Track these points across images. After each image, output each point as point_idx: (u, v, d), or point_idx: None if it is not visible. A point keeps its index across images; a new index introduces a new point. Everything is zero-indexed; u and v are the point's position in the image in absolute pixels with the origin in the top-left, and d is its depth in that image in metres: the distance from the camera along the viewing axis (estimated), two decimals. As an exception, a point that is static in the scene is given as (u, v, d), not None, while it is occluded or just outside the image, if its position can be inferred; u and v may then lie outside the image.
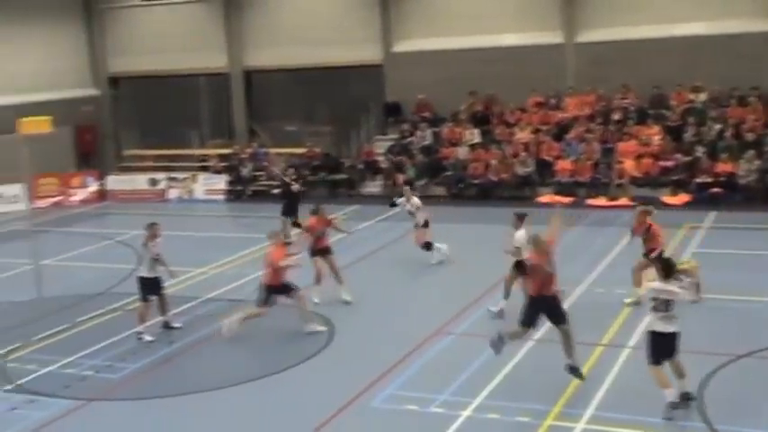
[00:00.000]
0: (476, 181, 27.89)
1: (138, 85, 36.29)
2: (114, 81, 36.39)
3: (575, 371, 12.41)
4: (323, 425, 11.82)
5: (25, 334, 15.93)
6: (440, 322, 15.66)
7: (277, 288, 15.31)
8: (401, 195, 20.60)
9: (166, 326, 16.05)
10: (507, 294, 15.83)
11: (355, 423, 11.98)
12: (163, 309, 16.02)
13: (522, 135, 28.64)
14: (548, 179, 27.46)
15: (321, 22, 32.47)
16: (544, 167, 27.70)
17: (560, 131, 28.53)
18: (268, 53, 33.35)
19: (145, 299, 15.71)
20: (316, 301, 16.67)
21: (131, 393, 13.43)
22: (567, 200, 26.10)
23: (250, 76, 34.43)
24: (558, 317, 12.49)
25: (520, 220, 15.75)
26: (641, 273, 14.83)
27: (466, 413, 11.90)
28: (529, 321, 12.55)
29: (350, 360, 14.35)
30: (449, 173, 28.51)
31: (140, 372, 14.20)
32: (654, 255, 15.02)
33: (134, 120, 36.92)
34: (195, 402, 12.97)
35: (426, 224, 19.94)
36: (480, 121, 29.89)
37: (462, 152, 28.87)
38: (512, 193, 27.37)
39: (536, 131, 28.73)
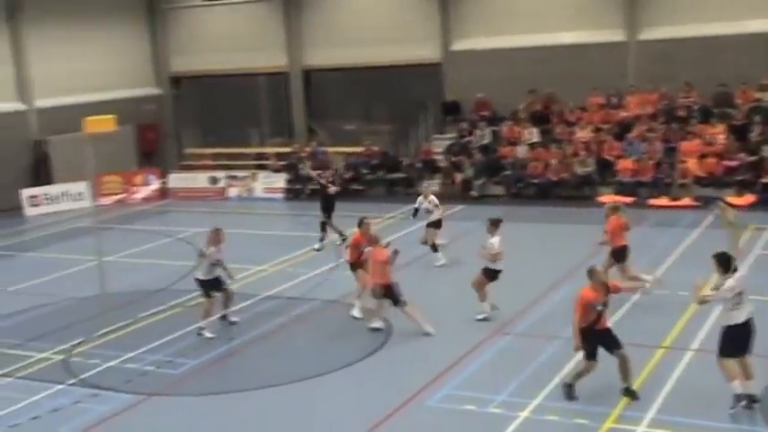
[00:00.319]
0: (535, 180, 27.68)
1: (199, 84, 36.72)
2: (176, 80, 36.86)
3: (631, 393, 12.07)
4: (379, 423, 11.82)
5: (89, 329, 16.22)
6: (498, 322, 15.57)
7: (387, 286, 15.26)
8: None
9: (224, 318, 16.24)
10: (484, 298, 15.88)
11: (412, 422, 11.96)
12: (226, 303, 16.21)
13: (583, 134, 28.33)
14: (608, 179, 27.13)
15: (380, 21, 32.50)
16: (605, 167, 27.37)
17: (622, 130, 28.14)
18: (327, 52, 33.48)
19: (209, 295, 15.89)
20: (357, 315, 16.37)
21: (191, 389, 13.58)
22: (628, 200, 25.79)
23: (309, 75, 34.60)
24: (612, 344, 12.07)
25: (495, 226, 15.93)
26: (630, 273, 16.03)
27: (524, 414, 11.81)
28: (592, 354, 12.06)
29: (407, 359, 14.33)
30: (507, 172, 28.32)
31: (200, 368, 14.35)
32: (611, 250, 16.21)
33: (195, 118, 37.36)
34: (253, 399, 13.07)
35: (438, 224, 20.20)
36: (540, 119, 29.64)
37: (521, 151, 28.67)
38: (571, 192, 27.11)
39: (597, 130, 28.39)
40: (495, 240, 15.68)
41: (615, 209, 16.75)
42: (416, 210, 20.73)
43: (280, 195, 30.69)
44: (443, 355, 14.14)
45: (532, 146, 28.72)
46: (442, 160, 29.80)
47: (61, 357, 15.09)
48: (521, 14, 30.33)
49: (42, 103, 31.54)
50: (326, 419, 12.24)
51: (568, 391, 12.21)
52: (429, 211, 20.45)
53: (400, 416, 12.07)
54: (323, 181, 23.06)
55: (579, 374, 12.22)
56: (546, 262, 19.38)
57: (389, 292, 15.31)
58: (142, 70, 35.88)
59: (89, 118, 16.16)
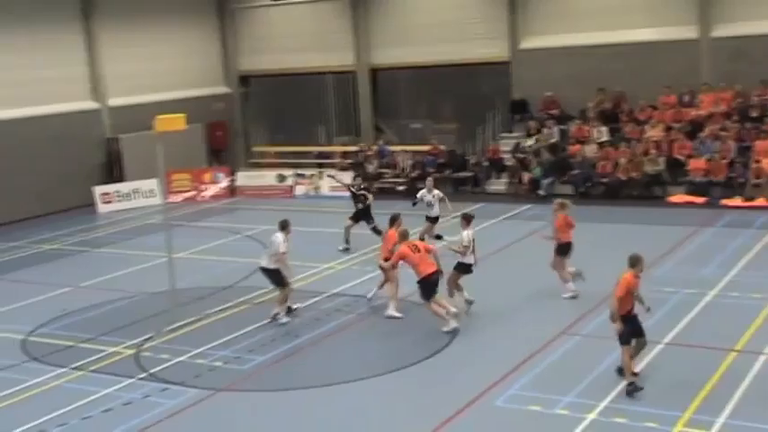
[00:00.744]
0: (603, 180, 27.31)
1: (267, 83, 37.04)
2: (245, 79, 37.26)
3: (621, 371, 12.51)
4: (445, 422, 11.79)
5: (159, 324, 16.48)
6: (565, 323, 15.41)
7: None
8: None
9: (289, 310, 16.52)
10: (453, 293, 16.22)
11: (478, 422, 11.90)
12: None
13: (653, 133, 27.86)
14: (679, 178, 26.65)
15: (448, 19, 32.40)
16: (676, 166, 26.89)
17: (694, 129, 27.62)
18: (394, 51, 33.52)
19: (281, 284, 16.17)
20: (397, 315, 16.45)
21: (258, 385, 13.72)
22: (700, 200, 25.33)
23: (376, 73, 34.67)
24: (639, 332, 12.58)
25: (467, 221, 16.27)
26: (563, 269, 16.97)
27: (591, 416, 11.67)
28: (629, 340, 12.42)
29: (473, 358, 14.27)
30: (576, 171, 28.01)
31: (267, 364, 14.47)
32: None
33: (263, 117, 37.72)
34: (318, 395, 13.15)
35: (435, 220, 21.06)
36: (609, 118, 29.25)
37: (590, 150, 28.31)
38: (641, 192, 26.69)
39: (668, 129, 27.90)
40: (464, 234, 16.01)
41: (563, 206, 17.25)
42: (415, 201, 21.56)
43: (346, 194, 30.73)
44: (510, 354, 14.05)
45: (601, 145, 28.35)
46: (509, 159, 29.60)
47: (132, 352, 15.37)
48: (590, 12, 29.97)
49: (115, 101, 32.15)
50: (391, 418, 12.25)
51: (633, 388, 12.16)
52: (430, 205, 21.08)
53: (466, 415, 12.03)
54: (353, 189, 22.80)
55: (627, 367, 12.32)
56: (614, 263, 18.95)
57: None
58: (212, 69, 36.37)
59: (160, 116, 16.39)
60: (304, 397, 13.15)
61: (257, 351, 15.00)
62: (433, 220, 21.33)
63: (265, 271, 16.35)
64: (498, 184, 29.43)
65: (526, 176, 28.41)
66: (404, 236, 15.86)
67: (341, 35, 34.50)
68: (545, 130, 29.62)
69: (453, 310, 15.46)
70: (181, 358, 14.83)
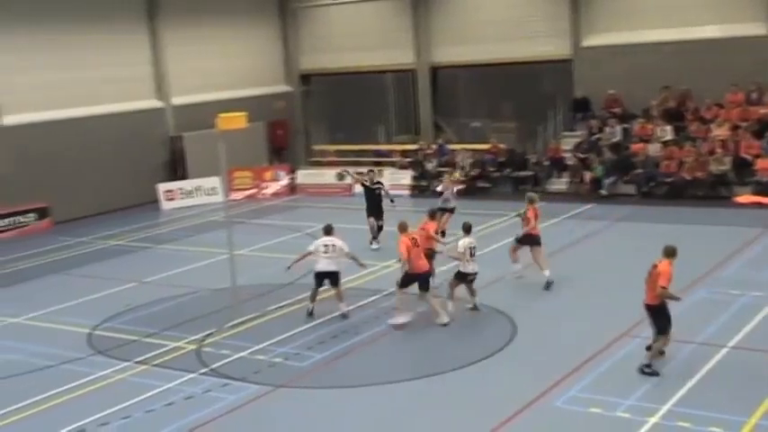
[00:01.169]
0: (667, 179, 26.89)
1: (327, 82, 37.22)
2: (305, 78, 37.49)
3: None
4: (504, 422, 11.73)
5: (220, 320, 16.67)
6: (626, 325, 15.19)
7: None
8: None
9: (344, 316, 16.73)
10: (450, 296, 16.55)
11: (537, 423, 11.82)
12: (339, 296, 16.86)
13: (720, 132, 27.35)
14: (746, 178, 26.13)
15: (508, 17, 32.22)
16: (742, 166, 26.37)
17: (761, 128, 27.05)
18: (454, 49, 33.44)
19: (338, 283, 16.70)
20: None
21: (317, 382, 13.79)
22: (767, 200, 24.82)
23: (436, 71, 34.62)
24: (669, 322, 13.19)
25: (466, 230, 16.61)
26: (515, 252, 18.35)
27: (653, 420, 11.50)
28: (666, 327, 13.06)
29: (532, 358, 14.18)
30: (639, 171, 27.62)
31: (327, 361, 14.54)
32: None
33: (323, 115, 37.91)
34: (378, 393, 13.18)
35: (452, 211, 21.75)
36: (673, 116, 28.79)
37: (653, 149, 27.90)
38: (706, 192, 26.23)
39: (734, 128, 27.37)
40: (461, 242, 16.18)
41: (532, 201, 18.56)
42: (440, 193, 22.31)
43: (406, 192, 30.78)
44: (570, 355, 13.92)
45: (665, 144, 27.93)
46: (570, 158, 29.32)
47: (194, 347, 15.57)
48: (656, 8, 29.54)
49: (178, 100, 32.61)
50: (448, 417, 12.22)
51: (650, 370, 12.83)
52: (447, 200, 21.85)
53: (525, 416, 11.95)
54: (367, 184, 22.98)
55: (660, 352, 13.08)
56: (678, 264, 18.76)
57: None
58: (273, 68, 36.68)
59: (222, 115, 16.56)
60: (362, 394, 13.19)
61: (316, 348, 15.09)
62: (450, 212, 21.92)
63: (329, 274, 16.62)
64: (559, 184, 29.17)
65: (588, 176, 28.10)
66: (403, 228, 16.24)
67: (401, 33, 34.52)
68: (607, 129, 29.27)
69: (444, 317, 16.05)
70: (241, 354, 14.98)
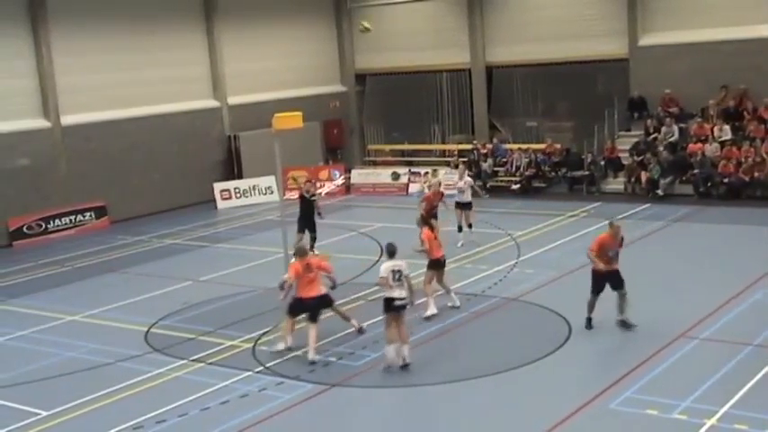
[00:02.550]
0: (725, 180, 26.47)
1: (382, 81, 37.29)
2: (360, 77, 37.60)
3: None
4: (559, 423, 11.66)
5: (275, 319, 16.77)
6: (684, 326, 15.01)
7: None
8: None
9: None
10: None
11: (592, 424, 11.73)
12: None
13: (779, 131, 26.88)
14: (807, 179, 25.65)
15: (564, 16, 32.01)
16: (803, 166, 25.89)
17: (822, 128, 26.54)
18: (510, 49, 33.30)
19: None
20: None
21: (372, 381, 13.82)
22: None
23: (491, 71, 34.49)
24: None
25: (390, 255, 14.53)
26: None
27: (710, 422, 11.35)
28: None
29: (587, 359, 14.09)
30: (696, 171, 27.23)
31: (381, 360, 14.50)
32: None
33: (378, 115, 37.97)
34: (431, 393, 13.18)
35: (468, 206, 21.95)
36: (731, 116, 28.33)
37: (711, 149, 27.48)
38: (765, 192, 25.77)
39: (795, 128, 26.87)
40: (383, 267, 14.17)
41: (424, 220, 17.94)
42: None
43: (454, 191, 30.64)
44: (625, 356, 13.81)
45: (723, 144, 27.49)
46: (626, 158, 29.00)
47: (249, 345, 15.72)
48: (715, 7, 29.06)
49: (234, 100, 32.93)
50: (503, 418, 12.18)
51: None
52: (462, 191, 21.97)
53: (579, 418, 11.86)
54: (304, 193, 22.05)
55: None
56: (736, 265, 18.53)
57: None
58: (328, 68, 36.84)
59: (278, 115, 16.67)
60: (416, 394, 13.21)
61: (371, 347, 15.12)
62: (465, 206, 21.99)
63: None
64: (616, 184, 28.88)
65: (644, 176, 27.77)
66: (428, 222, 17.14)
67: (456, 33, 34.48)
68: (664, 129, 28.90)
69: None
70: (296, 353, 15.07)
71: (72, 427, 12.90)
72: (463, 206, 22.15)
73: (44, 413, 13.32)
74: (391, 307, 14.03)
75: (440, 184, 22.28)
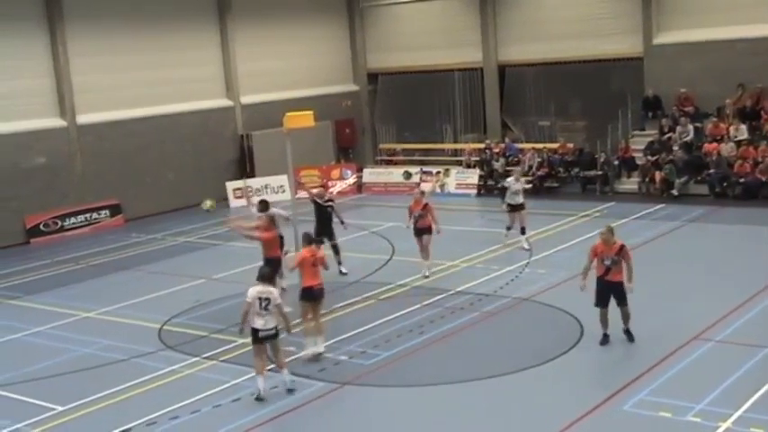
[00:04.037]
0: (741, 180, 26.30)
1: (394, 81, 37.22)
2: (372, 77, 37.56)
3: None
4: (571, 425, 11.59)
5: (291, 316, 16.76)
6: (698, 327, 14.91)
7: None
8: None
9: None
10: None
11: (603, 427, 11.67)
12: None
13: (795, 131, 26.69)
14: (823, 179, 25.46)
15: (577, 14, 31.87)
16: (818, 166, 25.70)
17: (840, 128, 26.33)
18: (522, 47, 33.19)
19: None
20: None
21: (382, 380, 13.80)
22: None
23: (504, 70, 34.39)
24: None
25: (261, 279, 13.43)
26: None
27: (725, 425, 11.25)
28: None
29: (600, 360, 14.01)
30: (711, 171, 27.07)
31: (392, 359, 14.53)
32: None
33: (390, 114, 37.91)
34: (443, 393, 13.14)
35: (521, 207, 21.50)
36: (748, 116, 28.14)
37: (726, 149, 27.32)
38: (781, 193, 25.65)
39: (811, 127, 26.68)
40: (250, 291, 13.08)
41: (423, 193, 20.04)
42: (505, 189, 21.90)
43: (472, 191, 30.67)
44: (638, 358, 13.72)
45: (739, 143, 27.33)
46: (640, 158, 28.86)
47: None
48: (729, 5, 28.83)
49: (247, 99, 32.97)
50: (515, 418, 12.13)
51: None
52: (517, 193, 21.40)
53: (591, 419, 11.79)
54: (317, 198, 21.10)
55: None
56: (751, 266, 18.39)
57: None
58: (340, 67, 36.83)
59: (289, 114, 16.68)
60: (427, 394, 13.16)
61: (382, 347, 15.10)
62: (518, 208, 21.52)
63: None
64: (629, 184, 28.74)
65: (658, 176, 27.63)
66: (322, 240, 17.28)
67: (468, 32, 34.39)
68: (679, 128, 28.75)
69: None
70: (307, 351, 15.04)
71: (86, 422, 12.95)
72: (516, 208, 21.54)
73: (60, 408, 13.40)
74: (256, 338, 13.10)
75: (423, 194, 20.09)
